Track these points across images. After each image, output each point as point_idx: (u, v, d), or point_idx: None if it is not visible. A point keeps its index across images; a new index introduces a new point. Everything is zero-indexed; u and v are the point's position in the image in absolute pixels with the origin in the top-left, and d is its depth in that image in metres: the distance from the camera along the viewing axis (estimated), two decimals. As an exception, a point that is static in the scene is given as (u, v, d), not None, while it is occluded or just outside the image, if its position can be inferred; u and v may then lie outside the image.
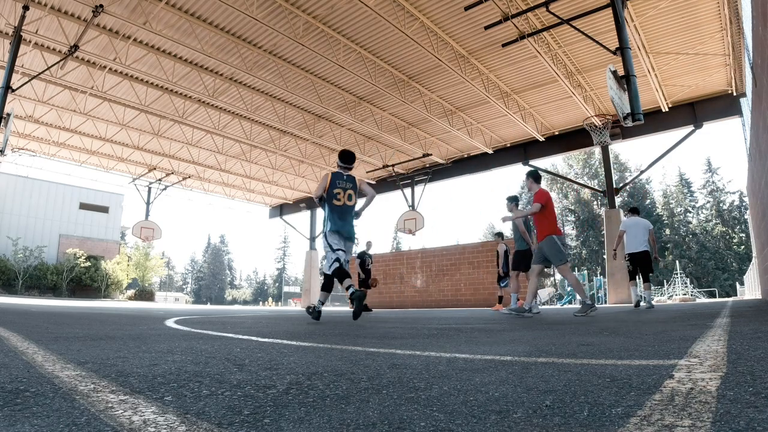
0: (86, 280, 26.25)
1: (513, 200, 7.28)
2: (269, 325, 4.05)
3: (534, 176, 5.73)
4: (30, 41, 10.04)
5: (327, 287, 4.82)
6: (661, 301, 23.31)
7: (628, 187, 44.67)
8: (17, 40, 8.66)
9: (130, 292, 28.88)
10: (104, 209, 30.63)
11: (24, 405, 0.88)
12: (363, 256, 10.91)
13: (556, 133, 14.79)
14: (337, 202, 4.64)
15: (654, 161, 14.21)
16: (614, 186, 13.88)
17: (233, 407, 0.89)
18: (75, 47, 9.49)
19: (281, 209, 23.56)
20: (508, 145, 15.75)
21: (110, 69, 11.46)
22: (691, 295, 27.85)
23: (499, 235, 10.42)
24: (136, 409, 0.86)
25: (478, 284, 14.60)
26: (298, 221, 23.18)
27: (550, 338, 2.42)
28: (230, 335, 2.82)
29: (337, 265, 4.46)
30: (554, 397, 0.95)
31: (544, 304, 27.83)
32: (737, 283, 35.40)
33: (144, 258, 30.77)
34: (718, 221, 44.92)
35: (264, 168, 18.30)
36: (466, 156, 16.81)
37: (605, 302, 18.63)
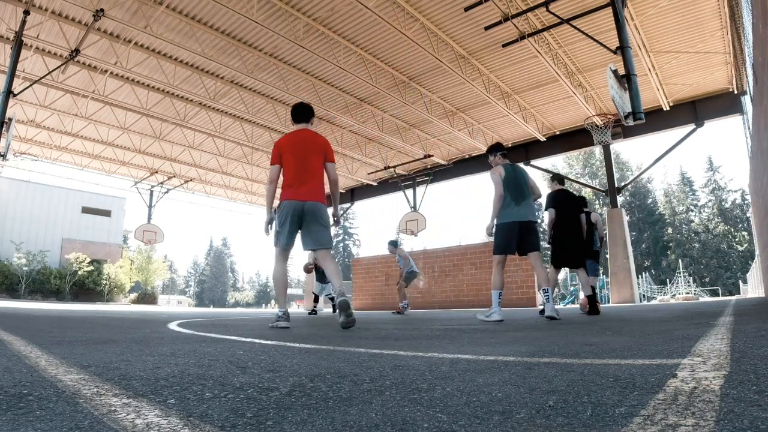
0: (89, 284, 26.28)
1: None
2: (272, 328, 4.04)
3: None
4: (31, 46, 10.08)
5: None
6: (665, 300, 23.25)
7: (629, 186, 44.60)
8: (18, 45, 8.69)
9: (133, 296, 28.91)
10: (107, 213, 30.67)
11: (27, 409, 0.88)
12: None
13: (557, 132, 14.79)
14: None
15: (655, 160, 14.19)
16: (615, 185, 13.86)
17: (236, 410, 0.89)
18: (76, 51, 9.52)
19: (283, 211, 23.56)
20: (509, 145, 15.74)
21: (111, 73, 11.50)
22: (694, 293, 27.79)
23: (582, 201, 6.46)
24: (139, 412, 0.86)
25: (481, 285, 14.57)
26: (300, 223, 23.17)
27: (553, 338, 2.41)
28: (233, 338, 2.82)
29: None
30: (557, 397, 0.95)
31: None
32: (740, 281, 35.31)
33: (146, 261, 30.80)
34: (720, 220, 44.82)
35: (265, 170, 18.32)
36: (467, 156, 16.81)
37: (608, 302, 18.58)
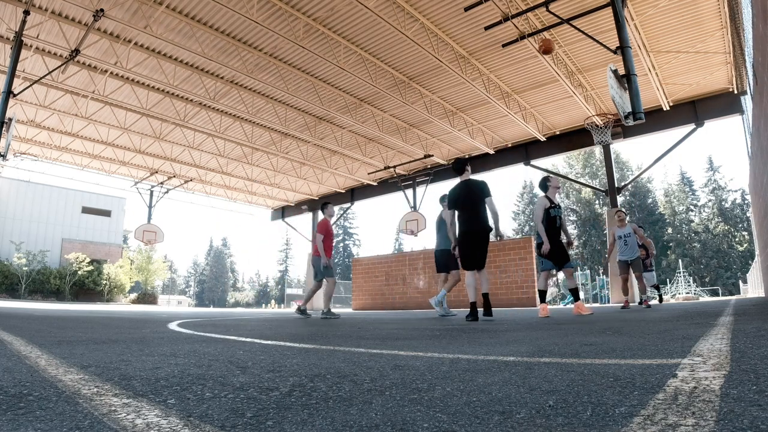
0: (89, 284, 26.28)
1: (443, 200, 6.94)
2: (272, 328, 4.05)
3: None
4: (31, 46, 10.07)
5: None
6: (665, 300, 23.25)
7: (629, 186, 44.58)
8: (18, 45, 8.68)
9: (133, 296, 28.90)
10: (106, 213, 30.67)
11: (27, 409, 0.88)
12: None
13: (557, 132, 14.78)
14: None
15: (655, 160, 14.19)
16: (615, 185, 13.86)
17: (236, 410, 0.89)
18: (76, 51, 9.52)
19: (283, 211, 23.58)
20: (510, 145, 15.75)
21: (111, 73, 11.49)
22: (694, 293, 27.80)
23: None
24: (139, 412, 0.86)
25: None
26: (300, 223, 23.20)
27: (552, 338, 2.41)
28: (233, 338, 2.82)
29: None
30: (557, 397, 0.95)
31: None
32: (740, 281, 35.31)
33: (146, 261, 30.78)
34: (720, 220, 44.80)
35: (265, 170, 18.32)
36: (467, 156, 16.80)
37: (608, 302, 18.58)
